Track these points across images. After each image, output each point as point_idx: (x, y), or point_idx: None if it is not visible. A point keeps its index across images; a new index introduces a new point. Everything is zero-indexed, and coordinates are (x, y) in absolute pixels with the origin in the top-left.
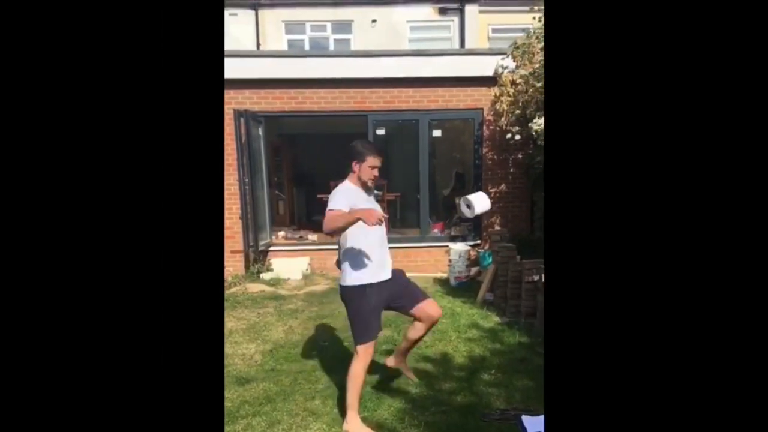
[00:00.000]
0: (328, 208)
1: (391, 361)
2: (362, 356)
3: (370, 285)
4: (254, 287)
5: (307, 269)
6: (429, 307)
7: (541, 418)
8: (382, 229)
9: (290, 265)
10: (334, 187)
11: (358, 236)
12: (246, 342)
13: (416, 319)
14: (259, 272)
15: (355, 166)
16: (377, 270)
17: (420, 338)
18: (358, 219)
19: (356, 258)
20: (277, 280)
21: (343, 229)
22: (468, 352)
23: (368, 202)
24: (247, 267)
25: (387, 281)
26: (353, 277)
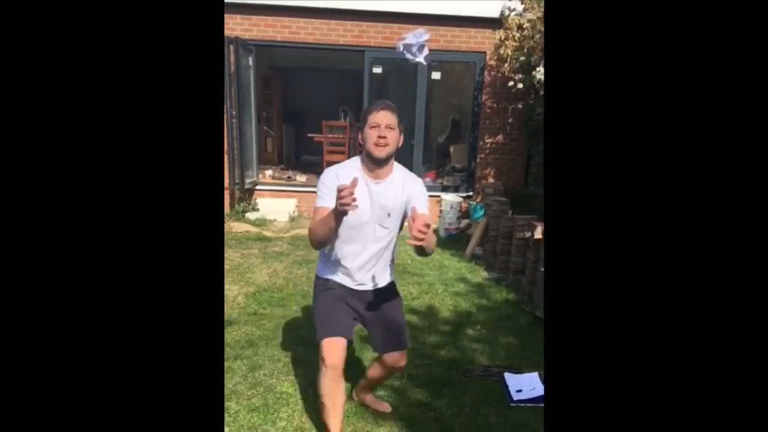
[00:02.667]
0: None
1: (355, 396)
2: (322, 358)
3: (333, 279)
4: (239, 227)
5: (294, 211)
6: (399, 359)
7: (524, 376)
8: (369, 227)
9: (277, 205)
10: (327, 128)
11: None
12: (229, 283)
13: (380, 362)
14: (244, 211)
15: (360, 139)
16: (347, 273)
17: (381, 379)
18: (338, 211)
19: (326, 249)
20: (262, 221)
21: (332, 233)
22: (454, 306)
23: (370, 195)
24: (231, 205)
25: (361, 292)
26: (318, 268)
